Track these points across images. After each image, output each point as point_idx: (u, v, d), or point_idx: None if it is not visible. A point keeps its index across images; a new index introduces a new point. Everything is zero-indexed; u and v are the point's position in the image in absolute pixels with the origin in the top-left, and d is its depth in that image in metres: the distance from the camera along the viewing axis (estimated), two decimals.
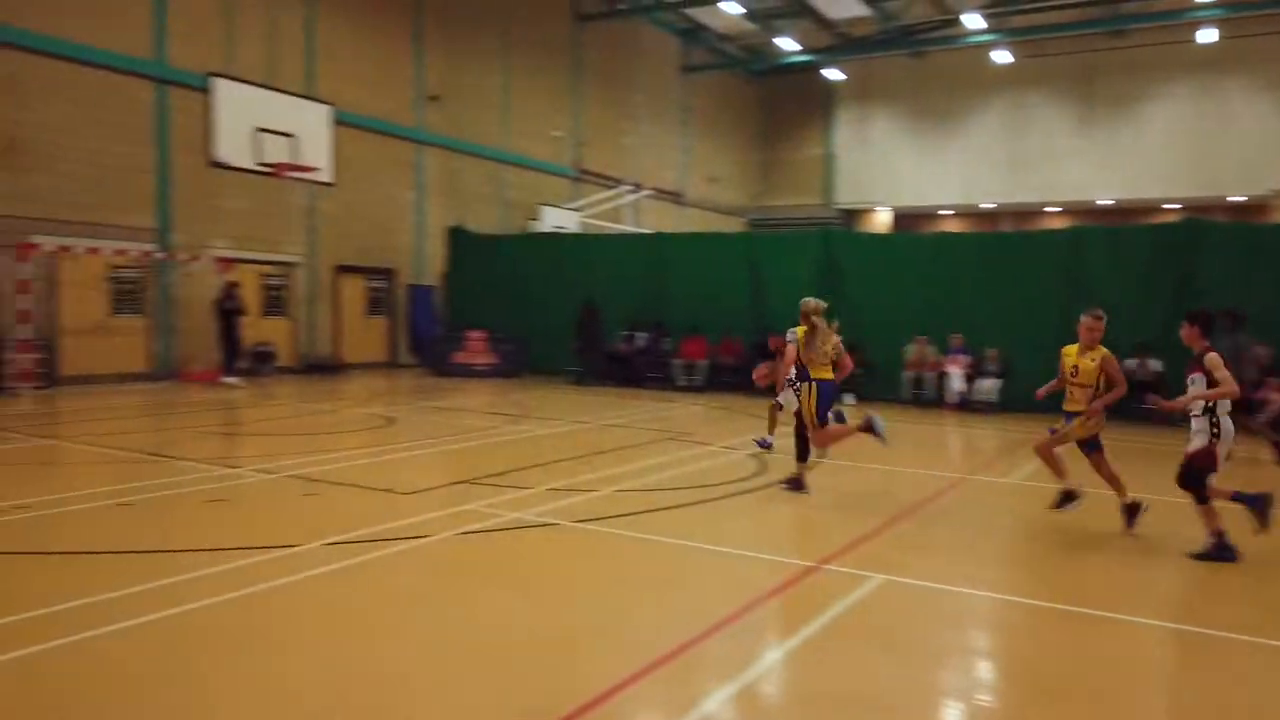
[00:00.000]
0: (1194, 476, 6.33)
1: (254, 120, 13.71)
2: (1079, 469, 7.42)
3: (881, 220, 37.21)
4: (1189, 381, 6.43)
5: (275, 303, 20.01)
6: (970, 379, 15.43)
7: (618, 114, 30.25)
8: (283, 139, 14.05)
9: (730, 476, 9.26)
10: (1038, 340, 13.52)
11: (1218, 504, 6.35)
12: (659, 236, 21.25)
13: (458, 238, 22.35)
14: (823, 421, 8.02)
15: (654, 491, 8.43)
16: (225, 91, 13.39)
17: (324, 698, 4.02)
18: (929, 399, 15.92)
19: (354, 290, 21.79)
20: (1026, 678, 4.59)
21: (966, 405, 15.37)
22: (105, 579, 5.41)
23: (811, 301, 8.15)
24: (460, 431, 11.93)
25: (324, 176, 14.89)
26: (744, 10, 28.60)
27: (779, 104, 37.96)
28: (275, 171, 14.09)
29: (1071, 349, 7.31)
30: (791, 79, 36.67)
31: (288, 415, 13.48)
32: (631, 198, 27.31)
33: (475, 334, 19.78)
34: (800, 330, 8.11)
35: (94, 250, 15.76)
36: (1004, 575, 6.35)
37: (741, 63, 34.87)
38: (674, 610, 5.31)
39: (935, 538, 7.04)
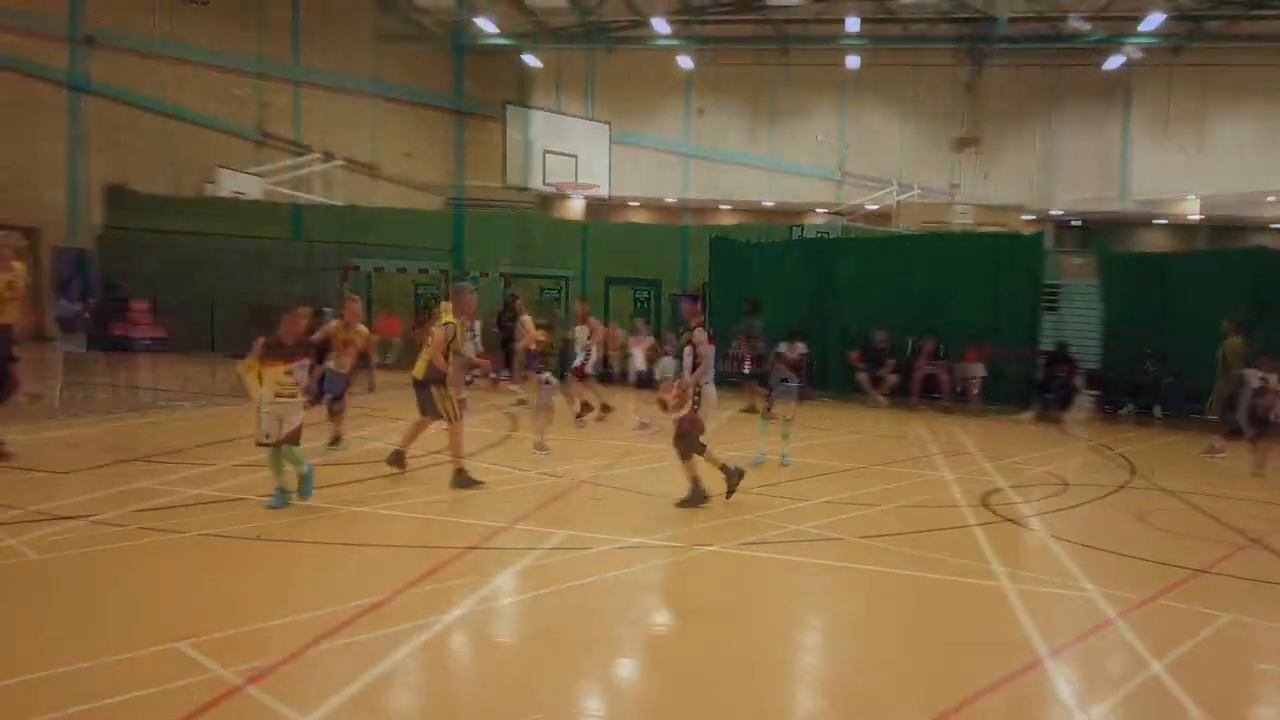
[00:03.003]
0: (686, 440, 7.49)
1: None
2: None
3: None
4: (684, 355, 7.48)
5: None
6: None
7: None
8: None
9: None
10: None
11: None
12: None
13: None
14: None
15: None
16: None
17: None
18: None
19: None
20: None
21: None
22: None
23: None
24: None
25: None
26: None
27: (474, 84, 34.24)
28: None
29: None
30: (488, 61, 33.83)
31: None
32: (321, 167, 25.70)
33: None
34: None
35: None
36: None
37: (438, 39, 32.44)
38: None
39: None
